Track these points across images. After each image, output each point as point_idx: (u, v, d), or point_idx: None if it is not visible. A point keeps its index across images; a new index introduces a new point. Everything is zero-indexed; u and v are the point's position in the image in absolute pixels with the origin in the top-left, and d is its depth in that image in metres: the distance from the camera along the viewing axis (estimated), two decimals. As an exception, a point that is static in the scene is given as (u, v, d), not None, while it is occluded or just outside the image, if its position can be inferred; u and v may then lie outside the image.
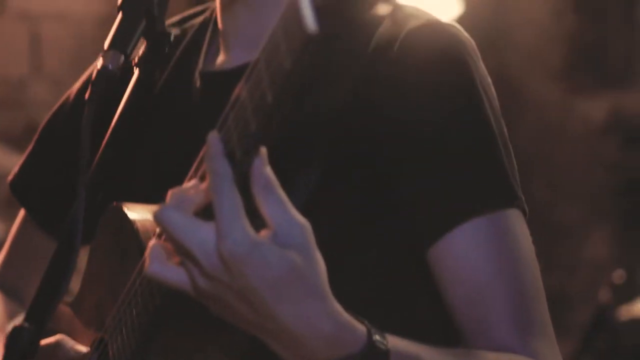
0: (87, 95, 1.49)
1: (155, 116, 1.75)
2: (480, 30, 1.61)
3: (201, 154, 1.40)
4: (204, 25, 1.82)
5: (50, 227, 1.93)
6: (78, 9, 6.37)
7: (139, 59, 1.56)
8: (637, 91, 6.64)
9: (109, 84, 1.48)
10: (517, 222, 1.57)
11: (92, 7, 6.35)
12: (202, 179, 1.38)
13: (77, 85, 1.91)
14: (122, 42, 1.50)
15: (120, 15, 1.52)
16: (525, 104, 6.33)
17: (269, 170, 1.31)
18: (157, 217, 1.33)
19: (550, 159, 6.53)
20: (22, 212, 1.97)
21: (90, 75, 1.87)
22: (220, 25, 1.76)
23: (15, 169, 1.97)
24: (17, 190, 1.96)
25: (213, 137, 1.34)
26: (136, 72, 1.56)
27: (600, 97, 6.63)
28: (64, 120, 1.91)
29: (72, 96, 1.91)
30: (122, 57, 1.50)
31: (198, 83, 1.73)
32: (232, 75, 1.70)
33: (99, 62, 1.49)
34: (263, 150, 1.32)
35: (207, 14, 1.84)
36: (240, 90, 1.32)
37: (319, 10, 1.19)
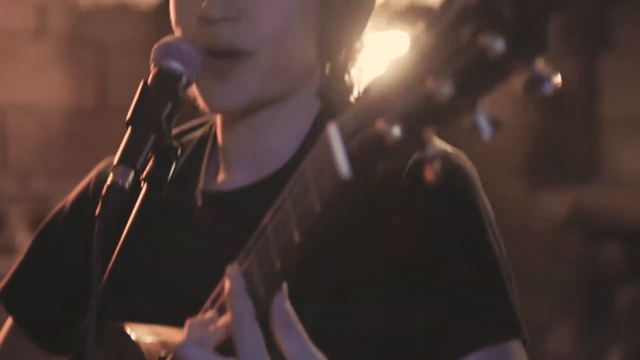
0: (97, 211, 1.49)
1: (158, 234, 1.75)
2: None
3: (219, 285, 1.40)
4: (202, 140, 1.82)
5: (40, 339, 1.92)
6: (44, 101, 6.36)
7: (147, 174, 1.56)
8: (599, 186, 6.72)
9: (119, 200, 1.48)
10: (518, 354, 1.59)
11: (58, 100, 6.35)
12: (220, 311, 1.39)
13: (73, 195, 1.91)
14: (131, 157, 1.51)
15: (129, 130, 1.53)
16: (488, 198, 6.39)
17: (289, 306, 1.33)
18: (179, 351, 1.35)
19: (513, 253, 6.57)
20: (9, 321, 1.96)
21: (88, 186, 1.89)
22: (220, 142, 1.77)
23: (6, 278, 1.96)
24: (8, 300, 1.95)
25: (234, 273, 1.35)
26: (144, 187, 1.57)
27: (562, 192, 6.70)
28: (60, 231, 1.90)
29: (67, 206, 1.90)
30: (132, 172, 1.50)
31: (199, 202, 1.74)
32: (235, 197, 1.72)
33: (109, 178, 1.50)
34: (284, 286, 1.33)
35: (205, 128, 1.85)
36: (265, 227, 1.33)
37: (352, 156, 1.21)
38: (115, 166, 1.50)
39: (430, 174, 1.16)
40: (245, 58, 1.64)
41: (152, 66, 1.58)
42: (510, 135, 6.71)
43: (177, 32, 1.68)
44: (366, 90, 1.23)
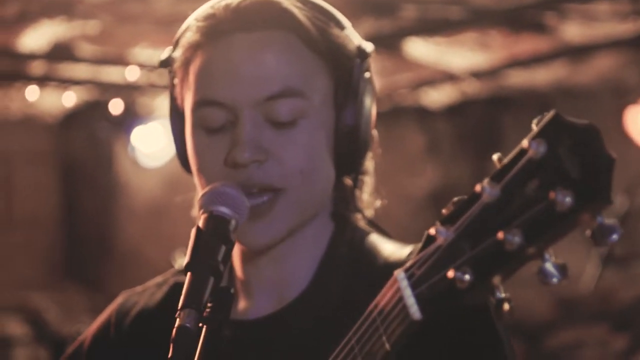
0: (170, 355, 1.52)
1: None
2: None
3: None
4: None
5: None
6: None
7: (207, 316, 1.61)
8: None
9: (189, 342, 1.52)
10: None
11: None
12: None
13: (92, 331, 1.96)
14: (195, 300, 1.54)
15: (189, 274, 1.57)
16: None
17: None
18: None
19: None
20: None
21: (109, 322, 1.93)
22: (240, 273, 1.84)
23: None
24: None
25: None
26: (204, 329, 1.61)
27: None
28: None
29: (87, 342, 1.94)
30: (197, 315, 1.53)
31: (228, 331, 1.79)
32: (261, 326, 1.80)
33: (177, 321, 1.53)
34: None
35: None
36: None
37: (422, 300, 1.30)
38: (181, 309, 1.54)
39: (501, 314, 1.26)
40: (278, 194, 1.73)
41: (200, 212, 1.65)
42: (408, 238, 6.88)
43: (200, 177, 1.77)
44: (431, 237, 1.33)
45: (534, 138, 1.23)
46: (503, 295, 1.28)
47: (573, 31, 5.42)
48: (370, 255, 1.80)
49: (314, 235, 1.82)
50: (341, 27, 1.83)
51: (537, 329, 6.68)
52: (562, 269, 1.24)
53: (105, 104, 6.36)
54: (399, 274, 1.33)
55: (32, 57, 5.80)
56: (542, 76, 6.08)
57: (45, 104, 6.57)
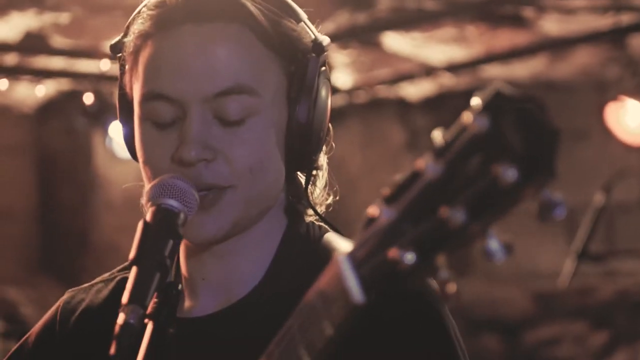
0: (112, 351, 1.47)
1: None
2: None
3: None
4: None
5: None
6: None
7: (152, 312, 1.57)
8: (475, 280, 6.88)
9: (132, 339, 1.48)
10: None
11: None
12: None
13: (37, 329, 1.91)
14: (140, 296, 1.51)
15: (135, 269, 1.53)
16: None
17: None
18: None
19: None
20: None
21: (54, 319, 1.88)
22: (185, 272, 1.80)
23: None
24: None
25: None
26: (150, 325, 1.57)
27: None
28: None
29: (31, 340, 1.90)
30: (142, 311, 1.50)
31: (172, 328, 1.75)
32: (205, 324, 1.75)
33: (120, 317, 1.49)
34: None
35: None
36: (270, 355, 1.37)
37: (364, 282, 1.26)
38: (125, 305, 1.50)
39: (445, 295, 1.22)
40: (226, 190, 1.69)
41: (148, 204, 1.60)
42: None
43: (147, 171, 1.72)
44: (372, 218, 1.28)
45: (476, 113, 1.19)
46: (447, 276, 1.23)
47: (551, 25, 5.40)
48: (327, 253, 1.75)
49: (263, 233, 1.77)
50: (297, 19, 1.78)
51: (515, 325, 6.66)
52: (507, 247, 1.20)
53: (82, 95, 6.32)
54: (340, 256, 1.29)
55: (5, 48, 5.75)
56: (520, 71, 6.06)
57: (21, 96, 6.52)
